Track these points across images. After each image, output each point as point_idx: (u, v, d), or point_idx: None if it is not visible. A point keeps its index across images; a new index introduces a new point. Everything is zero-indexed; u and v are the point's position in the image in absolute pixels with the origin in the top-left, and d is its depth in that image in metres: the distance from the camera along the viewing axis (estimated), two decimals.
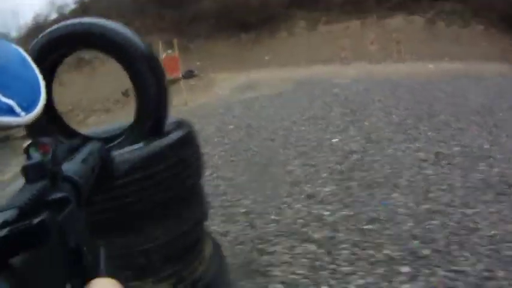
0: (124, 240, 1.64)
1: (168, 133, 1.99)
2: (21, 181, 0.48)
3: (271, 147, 5.59)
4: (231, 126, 7.05)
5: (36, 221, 0.33)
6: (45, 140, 0.51)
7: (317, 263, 2.67)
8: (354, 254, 2.73)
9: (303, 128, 6.38)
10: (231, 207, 3.72)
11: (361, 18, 18.24)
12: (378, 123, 6.11)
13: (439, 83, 9.24)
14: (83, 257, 0.44)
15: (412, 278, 2.41)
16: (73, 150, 0.72)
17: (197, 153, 2.10)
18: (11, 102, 0.47)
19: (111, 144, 1.98)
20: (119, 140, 2.00)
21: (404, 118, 6.24)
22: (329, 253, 2.77)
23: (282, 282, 2.52)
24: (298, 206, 3.61)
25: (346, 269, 2.57)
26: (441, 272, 2.44)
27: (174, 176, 1.81)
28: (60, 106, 2.26)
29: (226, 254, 2.40)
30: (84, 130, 2.62)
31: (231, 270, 2.40)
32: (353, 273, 2.51)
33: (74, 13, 20.95)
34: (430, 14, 18.01)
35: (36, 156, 0.50)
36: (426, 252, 2.67)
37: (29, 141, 0.51)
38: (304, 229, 3.16)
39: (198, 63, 16.57)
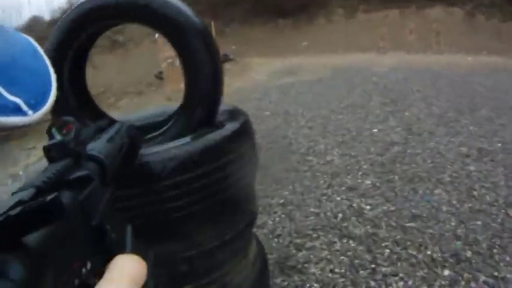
0: (167, 247, 1.40)
1: (221, 124, 1.68)
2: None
3: (309, 135, 5.53)
4: (267, 113, 7.01)
5: (49, 198, 0.32)
6: (67, 119, 0.51)
7: (356, 261, 2.64)
8: (395, 253, 2.69)
9: (342, 116, 6.27)
10: (268, 198, 3.69)
11: (400, 8, 17.70)
12: (418, 115, 5.92)
13: (478, 75, 8.85)
14: (107, 234, 0.44)
15: (453, 282, 2.37)
16: (100, 131, 0.72)
17: (254, 148, 1.80)
18: (18, 100, 0.45)
19: (151, 135, 1.72)
20: (161, 130, 1.72)
21: (445, 111, 6.02)
22: (369, 251, 2.74)
23: (319, 281, 2.50)
24: (338, 198, 3.56)
25: (386, 269, 2.53)
26: (482, 277, 2.38)
27: (228, 176, 1.53)
28: (92, 89, 2.08)
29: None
30: (117, 115, 2.43)
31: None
32: (393, 274, 2.47)
33: None
34: (469, 7, 17.37)
35: (58, 136, 0.50)
36: (468, 254, 2.61)
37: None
38: (345, 224, 3.13)
39: (233, 47, 16.44)
